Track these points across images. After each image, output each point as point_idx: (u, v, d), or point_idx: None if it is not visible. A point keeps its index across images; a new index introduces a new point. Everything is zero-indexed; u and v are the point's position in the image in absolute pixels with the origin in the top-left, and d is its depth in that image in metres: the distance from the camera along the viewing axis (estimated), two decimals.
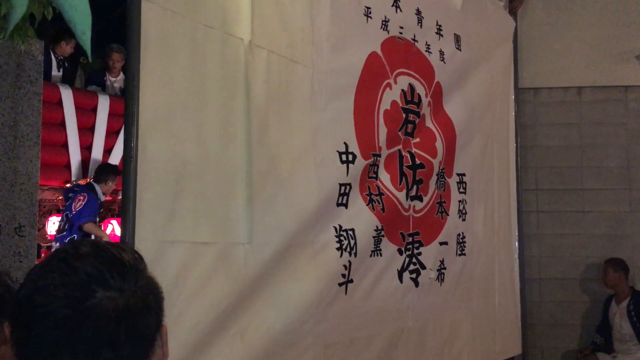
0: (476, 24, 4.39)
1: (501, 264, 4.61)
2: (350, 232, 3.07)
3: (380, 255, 3.29)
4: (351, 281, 3.05)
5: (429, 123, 3.82)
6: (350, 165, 3.06)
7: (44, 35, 3.59)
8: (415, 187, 3.59)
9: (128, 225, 2.08)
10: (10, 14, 1.52)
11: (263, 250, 2.55)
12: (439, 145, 3.86)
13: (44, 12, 2.47)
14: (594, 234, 5.33)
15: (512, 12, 5.22)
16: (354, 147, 3.10)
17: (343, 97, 3.09)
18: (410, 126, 3.61)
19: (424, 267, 3.63)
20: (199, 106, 2.34)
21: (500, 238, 4.63)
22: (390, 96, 3.43)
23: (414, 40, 3.69)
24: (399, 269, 3.45)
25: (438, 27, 3.92)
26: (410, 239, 3.56)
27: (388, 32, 3.45)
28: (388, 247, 3.36)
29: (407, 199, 3.52)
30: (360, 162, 3.14)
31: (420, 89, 3.69)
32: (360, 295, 3.13)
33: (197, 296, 2.26)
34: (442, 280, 3.83)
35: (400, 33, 3.56)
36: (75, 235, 4.92)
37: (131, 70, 2.13)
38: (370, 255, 3.22)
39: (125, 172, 2.13)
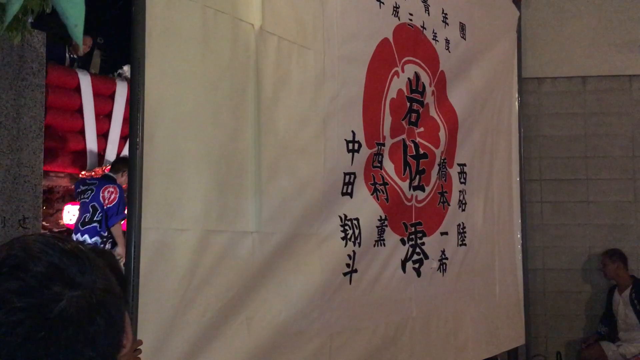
0: (481, 13, 4.36)
1: (501, 254, 4.60)
2: (355, 222, 3.06)
3: (384, 245, 3.28)
4: (355, 271, 3.04)
5: (433, 112, 3.80)
6: (356, 154, 3.04)
7: (46, 26, 3.57)
8: (417, 177, 3.58)
9: (134, 213, 2.07)
10: (7, 7, 1.50)
11: (270, 239, 2.53)
12: (442, 135, 3.84)
13: (44, 6, 2.45)
14: (598, 224, 5.32)
15: (516, 1, 5.19)
16: (360, 136, 3.07)
17: (354, 84, 3.05)
18: (414, 115, 3.59)
19: (427, 257, 3.62)
20: (207, 93, 2.31)
21: (501, 229, 4.61)
22: (397, 85, 3.40)
23: (422, 27, 3.66)
24: (403, 259, 3.44)
25: (444, 15, 3.89)
26: (413, 229, 3.55)
27: (399, 18, 3.41)
28: (391, 237, 3.35)
29: (409, 189, 3.51)
30: (365, 151, 3.12)
31: (425, 78, 3.67)
32: (365, 285, 3.12)
33: (206, 284, 2.25)
34: (445, 270, 3.83)
35: (410, 20, 3.53)
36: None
37: (136, 57, 2.11)
38: (374, 245, 3.21)
39: (131, 160, 2.12)
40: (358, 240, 3.05)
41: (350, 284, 3.01)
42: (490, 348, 4.39)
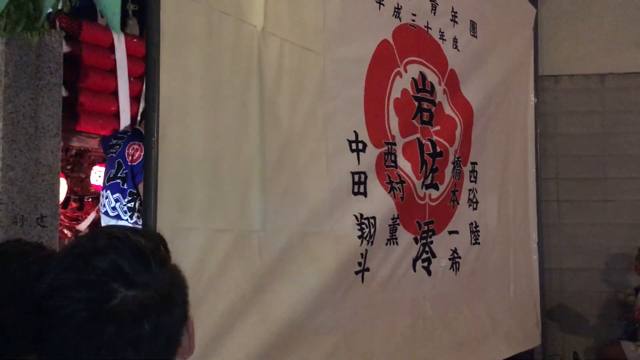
0: (494, 11, 4.34)
1: (516, 253, 4.57)
2: (372, 221, 3.06)
3: (397, 244, 3.29)
4: (367, 270, 3.05)
5: (449, 110, 3.79)
6: (361, 154, 3.06)
7: None
8: (431, 175, 3.57)
9: (150, 212, 2.10)
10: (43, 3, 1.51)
11: (277, 238, 2.56)
12: (458, 132, 3.83)
13: (62, 5, 2.47)
14: (616, 223, 5.27)
15: None
16: (364, 136, 3.09)
17: (354, 85, 3.07)
18: (426, 114, 3.60)
19: (434, 256, 3.62)
20: (213, 95, 2.36)
21: (516, 228, 4.59)
22: (401, 85, 3.41)
23: (427, 27, 3.66)
24: (414, 258, 3.45)
25: (453, 13, 3.88)
26: (426, 228, 3.55)
27: (400, 19, 3.43)
28: (404, 236, 3.35)
29: (422, 187, 3.50)
30: (373, 151, 3.13)
31: (432, 77, 3.66)
32: (377, 283, 3.13)
33: (215, 282, 2.28)
34: (458, 269, 3.82)
35: (413, 20, 3.53)
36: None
37: (152, 57, 2.14)
38: (387, 244, 3.22)
39: (146, 160, 2.14)
40: (372, 240, 3.06)
41: (362, 282, 3.01)
42: (506, 348, 4.37)
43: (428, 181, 3.56)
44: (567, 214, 5.34)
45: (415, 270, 3.44)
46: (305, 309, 2.65)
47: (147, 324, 0.83)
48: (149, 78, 2.16)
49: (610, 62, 5.27)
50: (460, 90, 3.90)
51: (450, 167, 3.77)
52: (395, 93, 3.37)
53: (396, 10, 3.40)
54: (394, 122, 3.32)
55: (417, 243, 3.47)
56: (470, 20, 4.05)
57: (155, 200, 2.11)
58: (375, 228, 3.08)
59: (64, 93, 3.83)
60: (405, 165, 3.36)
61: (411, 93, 3.49)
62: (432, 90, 3.65)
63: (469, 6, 4.03)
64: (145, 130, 2.19)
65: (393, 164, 3.28)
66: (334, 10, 2.95)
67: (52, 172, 3.83)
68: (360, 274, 3.01)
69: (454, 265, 3.80)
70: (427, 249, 3.56)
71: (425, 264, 3.55)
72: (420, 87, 3.57)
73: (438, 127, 3.66)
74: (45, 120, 3.79)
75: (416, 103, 3.53)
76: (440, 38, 3.76)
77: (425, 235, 3.54)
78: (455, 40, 3.89)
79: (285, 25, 2.68)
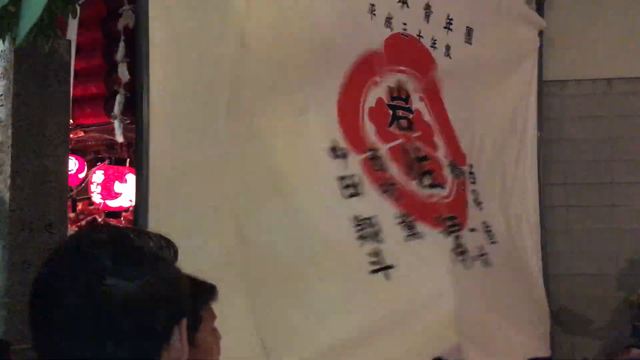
0: (495, 17, 4.33)
1: (522, 259, 4.54)
2: (373, 220, 3.09)
3: (420, 238, 3.29)
4: (391, 267, 3.05)
5: (428, 117, 3.79)
6: (344, 159, 3.09)
7: None
8: (427, 176, 3.59)
9: (141, 217, 2.14)
10: (24, 15, 1.51)
11: (271, 247, 2.58)
12: (438, 139, 3.83)
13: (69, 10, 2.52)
14: (624, 228, 5.20)
15: (539, 2, 5.13)
16: (344, 143, 3.12)
17: (328, 94, 3.12)
18: (403, 122, 3.61)
19: (467, 251, 3.62)
20: (200, 105, 2.42)
21: (521, 233, 4.56)
22: (376, 93, 3.44)
23: (419, 36, 3.67)
24: (448, 251, 3.45)
25: (448, 20, 3.88)
26: (450, 223, 3.56)
27: (392, 29, 3.45)
28: (426, 231, 3.36)
29: (422, 188, 3.52)
30: (354, 157, 3.17)
31: (410, 85, 3.67)
32: (403, 280, 3.12)
33: None
34: (488, 264, 3.80)
35: (404, 29, 3.54)
36: None
37: (141, 63, 2.19)
38: (405, 240, 3.23)
39: (137, 167, 2.20)
40: (378, 237, 3.06)
41: (386, 280, 3.00)
42: (518, 354, 4.32)
43: (426, 182, 3.56)
44: (575, 219, 5.29)
45: (448, 265, 3.42)
46: (312, 317, 2.67)
47: (129, 316, 0.84)
48: (137, 91, 2.22)
49: (617, 66, 5.21)
50: (440, 98, 3.89)
51: (447, 169, 3.77)
52: (370, 102, 3.39)
53: (388, 20, 3.42)
54: (371, 130, 3.35)
55: (446, 237, 3.47)
56: (467, 27, 4.04)
57: (147, 206, 2.16)
58: (379, 226, 3.07)
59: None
60: (393, 169, 3.38)
61: (386, 101, 3.51)
62: (407, 98, 3.66)
63: (467, 12, 4.02)
64: (136, 138, 2.24)
65: (382, 168, 3.32)
66: (317, 19, 3.00)
67: (60, 179, 3.91)
68: (380, 272, 2.99)
69: (484, 261, 3.76)
70: (460, 242, 3.56)
71: (461, 257, 3.54)
72: (395, 95, 3.58)
73: (419, 133, 3.66)
74: (54, 128, 3.87)
75: (391, 111, 3.54)
76: (432, 46, 3.77)
77: (452, 229, 3.53)
78: (447, 47, 3.88)
79: (267, 35, 2.74)
